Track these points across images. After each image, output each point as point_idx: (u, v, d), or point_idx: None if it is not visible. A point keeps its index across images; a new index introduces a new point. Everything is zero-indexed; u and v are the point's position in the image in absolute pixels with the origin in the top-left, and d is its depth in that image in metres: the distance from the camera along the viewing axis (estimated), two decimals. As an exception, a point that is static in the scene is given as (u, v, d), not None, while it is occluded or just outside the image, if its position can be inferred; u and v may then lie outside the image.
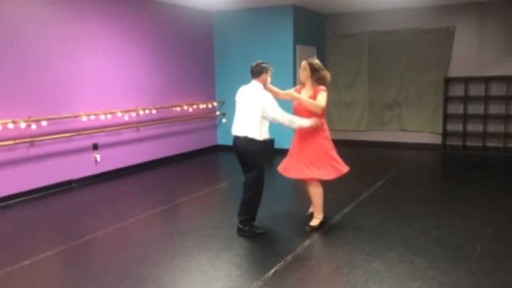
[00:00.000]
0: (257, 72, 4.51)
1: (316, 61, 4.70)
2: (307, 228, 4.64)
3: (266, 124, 4.47)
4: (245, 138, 4.43)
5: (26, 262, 3.95)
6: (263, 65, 4.53)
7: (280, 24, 8.68)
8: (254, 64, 4.57)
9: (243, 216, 4.54)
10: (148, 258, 3.98)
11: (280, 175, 4.90)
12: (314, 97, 4.56)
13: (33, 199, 5.98)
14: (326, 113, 4.78)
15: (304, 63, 4.69)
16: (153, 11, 7.83)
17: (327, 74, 4.68)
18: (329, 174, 4.62)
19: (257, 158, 4.46)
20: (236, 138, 4.53)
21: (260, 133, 4.42)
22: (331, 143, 4.72)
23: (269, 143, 8.61)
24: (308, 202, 4.98)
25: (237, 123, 4.57)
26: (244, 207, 4.54)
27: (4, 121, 5.59)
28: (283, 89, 4.87)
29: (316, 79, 4.64)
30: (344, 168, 4.70)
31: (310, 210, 4.98)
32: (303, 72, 4.68)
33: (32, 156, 6.07)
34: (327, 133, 4.72)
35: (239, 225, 4.56)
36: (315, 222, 4.70)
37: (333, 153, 4.71)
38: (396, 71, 9.39)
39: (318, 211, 4.73)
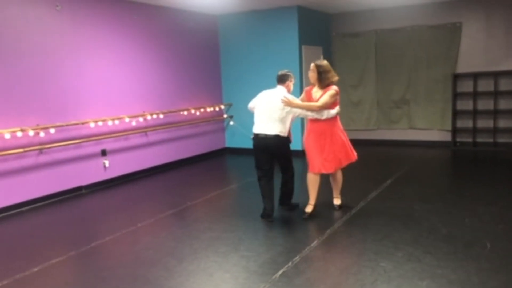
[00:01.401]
0: (282, 79, 5.09)
1: (324, 62, 5.08)
2: (336, 208, 5.26)
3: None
4: (278, 136, 4.92)
5: (36, 269, 3.99)
6: (288, 73, 5.13)
7: (285, 25, 8.67)
8: (281, 72, 5.13)
9: (290, 200, 5.38)
10: (156, 262, 4.00)
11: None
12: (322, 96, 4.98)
13: (43, 206, 6.04)
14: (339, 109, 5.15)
15: (312, 65, 5.05)
16: (158, 16, 7.88)
17: (333, 75, 5.03)
18: (355, 156, 5.21)
19: (289, 151, 5.16)
20: (265, 137, 4.94)
21: (287, 131, 5.01)
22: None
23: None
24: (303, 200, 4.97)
25: (265, 123, 4.97)
26: (290, 193, 5.34)
27: (13, 129, 5.66)
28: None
29: (323, 80, 4.98)
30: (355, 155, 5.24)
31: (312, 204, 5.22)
32: (312, 74, 5.05)
33: (41, 164, 6.13)
34: (341, 125, 5.20)
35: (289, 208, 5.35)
36: (339, 201, 5.33)
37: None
38: (404, 68, 9.33)
39: (340, 193, 5.36)
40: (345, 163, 5.13)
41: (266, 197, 5.01)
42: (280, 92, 5.00)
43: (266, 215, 5.01)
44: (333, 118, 5.02)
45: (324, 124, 4.96)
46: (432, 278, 3.46)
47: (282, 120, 4.92)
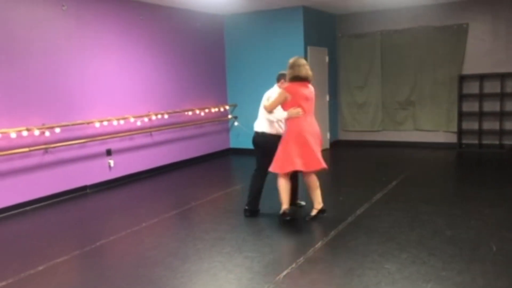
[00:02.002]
0: (277, 79, 5.17)
1: (291, 60, 4.91)
2: (307, 218, 4.98)
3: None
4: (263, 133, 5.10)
5: (41, 268, 4.00)
6: (282, 72, 5.09)
7: (290, 26, 8.67)
8: (279, 72, 5.16)
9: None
10: (159, 262, 4.00)
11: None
12: None
13: (47, 206, 6.06)
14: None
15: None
16: (164, 17, 7.89)
17: (292, 72, 4.81)
18: (278, 169, 4.92)
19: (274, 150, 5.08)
20: (255, 133, 5.19)
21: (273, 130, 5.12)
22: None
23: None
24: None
25: (257, 120, 5.20)
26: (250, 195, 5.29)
27: (18, 128, 5.68)
28: None
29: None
30: None
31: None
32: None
33: (47, 163, 6.15)
34: (294, 132, 4.86)
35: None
36: (315, 212, 5.01)
37: None
38: (409, 69, 9.30)
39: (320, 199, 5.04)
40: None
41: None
42: (273, 90, 5.10)
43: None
44: (288, 122, 4.82)
45: (311, 123, 4.90)
46: (437, 280, 3.43)
47: (268, 119, 4.98)
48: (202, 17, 8.71)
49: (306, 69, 4.82)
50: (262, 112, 5.06)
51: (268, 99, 4.98)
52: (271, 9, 8.70)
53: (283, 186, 4.91)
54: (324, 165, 4.85)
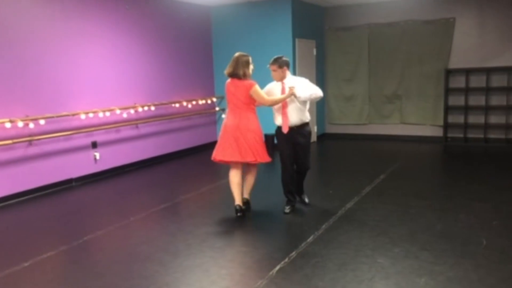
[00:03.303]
0: (280, 65, 4.94)
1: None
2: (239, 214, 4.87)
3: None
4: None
5: (26, 264, 3.90)
6: (285, 59, 5.01)
7: (278, 18, 8.60)
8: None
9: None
10: (150, 258, 3.93)
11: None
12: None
13: (32, 199, 5.92)
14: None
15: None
16: (150, 7, 7.74)
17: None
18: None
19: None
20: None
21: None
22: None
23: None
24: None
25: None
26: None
27: (1, 120, 5.53)
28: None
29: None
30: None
31: (247, 196, 5.13)
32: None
33: (31, 156, 6.00)
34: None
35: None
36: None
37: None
38: (396, 63, 9.32)
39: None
40: (265, 159, 5.05)
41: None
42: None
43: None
44: (256, 118, 5.08)
45: (248, 118, 4.98)
46: (430, 275, 3.44)
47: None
48: (189, 8, 8.58)
49: (232, 66, 4.96)
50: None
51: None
52: (259, 0, 8.61)
53: (230, 180, 4.97)
54: (246, 159, 4.86)
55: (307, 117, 4.98)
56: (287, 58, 5.02)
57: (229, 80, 4.98)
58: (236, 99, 4.88)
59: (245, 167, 5.05)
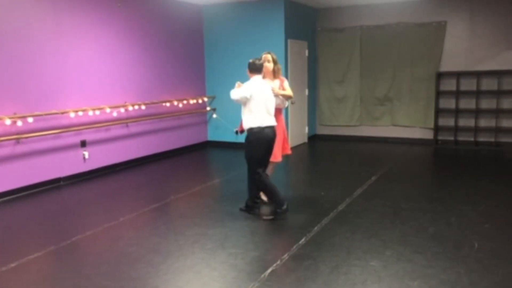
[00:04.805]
0: (261, 68, 4.90)
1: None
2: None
3: None
4: (274, 127, 4.86)
5: (13, 265, 3.82)
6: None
7: (271, 18, 8.57)
8: (257, 62, 4.86)
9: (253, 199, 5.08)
10: (140, 259, 3.86)
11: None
12: (282, 86, 5.14)
13: (19, 198, 5.82)
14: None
15: (268, 56, 5.06)
16: (141, 5, 7.66)
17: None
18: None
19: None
20: (271, 128, 4.80)
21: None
22: None
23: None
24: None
25: (266, 115, 4.78)
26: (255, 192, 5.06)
27: (-12, 117, 5.42)
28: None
29: (277, 70, 5.13)
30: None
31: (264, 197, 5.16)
32: (269, 64, 5.05)
33: (18, 154, 5.90)
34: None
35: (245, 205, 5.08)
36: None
37: None
38: (388, 65, 9.34)
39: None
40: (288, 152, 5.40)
41: (276, 190, 4.83)
42: (265, 82, 4.95)
43: (284, 211, 4.80)
44: (281, 115, 5.31)
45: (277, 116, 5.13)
46: (423, 278, 3.43)
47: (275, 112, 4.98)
48: (181, 7, 8.51)
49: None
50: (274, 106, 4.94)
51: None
52: (252, 0, 8.57)
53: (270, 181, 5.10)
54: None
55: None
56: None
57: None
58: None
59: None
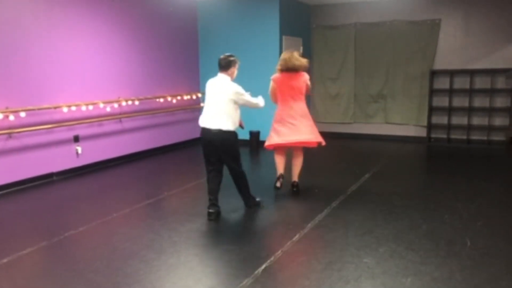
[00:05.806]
0: (225, 66, 4.66)
1: None
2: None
3: (238, 115, 4.72)
4: (220, 131, 4.56)
5: (5, 260, 3.79)
6: (231, 58, 4.68)
7: (266, 15, 8.54)
8: (222, 57, 4.68)
9: (249, 199, 4.96)
10: (133, 255, 3.85)
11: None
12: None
13: (11, 193, 5.77)
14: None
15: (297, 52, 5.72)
16: (136, 0, 7.62)
17: None
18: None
19: (237, 147, 4.75)
20: (208, 131, 4.62)
21: (234, 124, 4.66)
22: None
23: (254, 134, 8.51)
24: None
25: (209, 115, 4.64)
26: (245, 193, 4.93)
27: (-20, 112, 5.37)
28: (268, 79, 5.58)
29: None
30: None
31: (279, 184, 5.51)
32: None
33: (10, 149, 5.85)
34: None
35: (249, 207, 4.98)
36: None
37: None
38: (382, 63, 9.35)
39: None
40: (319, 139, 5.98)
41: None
42: (222, 81, 4.69)
43: (208, 214, 4.68)
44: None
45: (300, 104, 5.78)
46: (416, 275, 3.44)
47: (227, 113, 4.59)
48: (176, 2, 8.46)
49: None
50: (232, 107, 4.65)
51: (241, 93, 4.70)
52: (247, -4, 8.55)
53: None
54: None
55: None
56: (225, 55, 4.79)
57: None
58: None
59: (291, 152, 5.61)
